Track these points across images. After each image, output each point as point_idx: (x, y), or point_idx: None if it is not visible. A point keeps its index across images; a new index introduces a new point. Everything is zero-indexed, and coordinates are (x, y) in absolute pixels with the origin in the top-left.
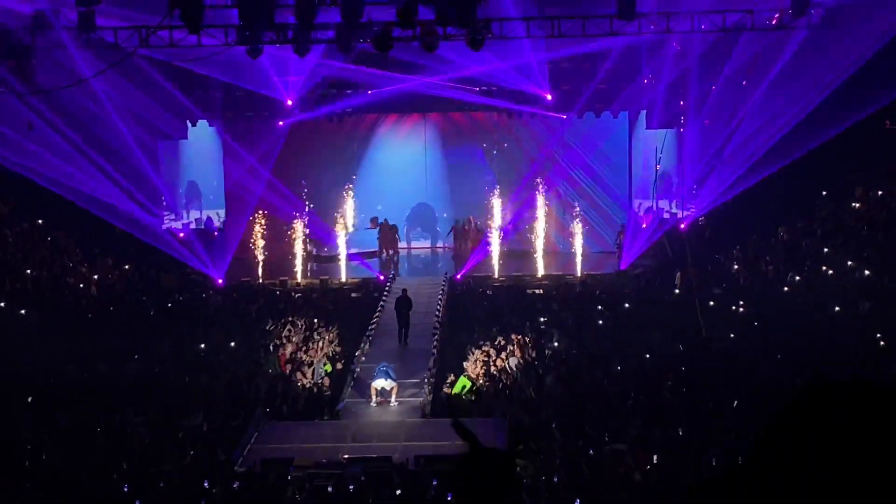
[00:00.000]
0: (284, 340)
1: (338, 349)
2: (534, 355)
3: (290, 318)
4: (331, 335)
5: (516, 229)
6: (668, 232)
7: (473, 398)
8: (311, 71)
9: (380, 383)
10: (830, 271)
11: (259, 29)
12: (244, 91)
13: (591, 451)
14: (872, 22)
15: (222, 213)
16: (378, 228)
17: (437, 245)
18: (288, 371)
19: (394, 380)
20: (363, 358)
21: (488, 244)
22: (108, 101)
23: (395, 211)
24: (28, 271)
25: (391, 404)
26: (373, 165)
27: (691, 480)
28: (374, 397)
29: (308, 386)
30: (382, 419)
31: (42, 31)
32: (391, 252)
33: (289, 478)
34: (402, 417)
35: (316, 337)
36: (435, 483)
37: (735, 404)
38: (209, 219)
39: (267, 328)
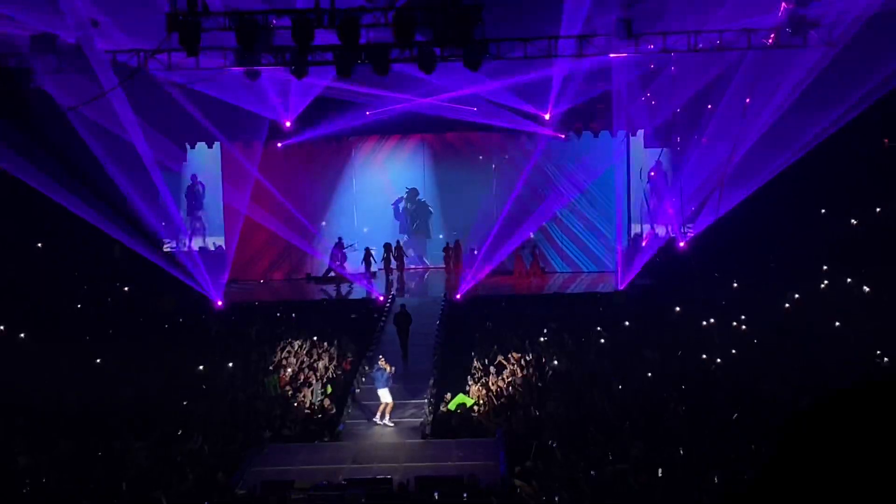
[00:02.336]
0: (284, 362)
1: (337, 371)
2: (534, 375)
3: (289, 340)
4: (330, 356)
5: (515, 248)
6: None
7: (460, 413)
8: (309, 92)
9: (383, 394)
10: (830, 288)
11: (257, 51)
12: (243, 113)
13: (593, 472)
14: (876, 42)
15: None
16: (383, 248)
17: (430, 266)
18: (288, 393)
19: (390, 381)
20: (363, 379)
21: (482, 265)
22: (108, 124)
23: (389, 232)
24: (27, 295)
25: (388, 425)
26: (369, 186)
27: (694, 500)
28: (378, 413)
29: (308, 408)
30: (383, 441)
31: (41, 54)
32: (398, 273)
33: (289, 500)
34: (402, 439)
35: (315, 358)
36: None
37: (735, 417)
38: (219, 247)
39: (266, 350)
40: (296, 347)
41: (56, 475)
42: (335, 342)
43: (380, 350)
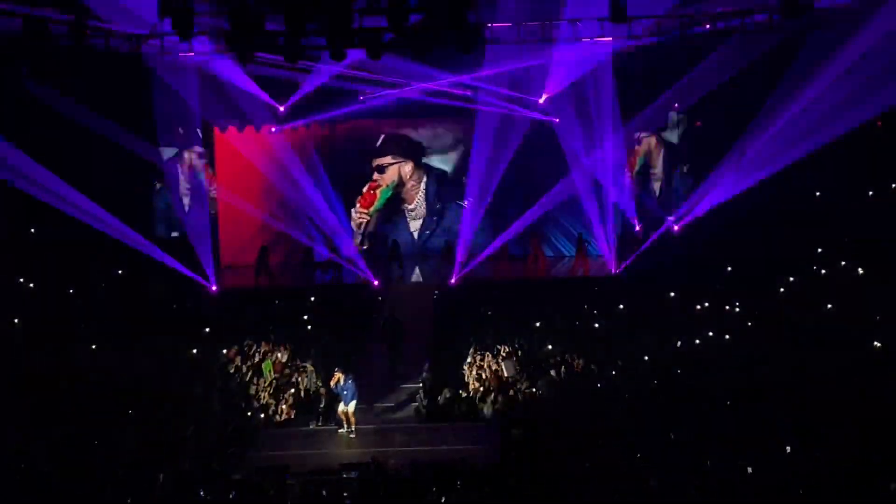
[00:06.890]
0: (279, 347)
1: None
2: (528, 359)
3: (284, 325)
4: (324, 343)
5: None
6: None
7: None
8: (304, 78)
9: (343, 408)
10: (823, 271)
11: (249, 36)
12: (236, 97)
13: (587, 465)
14: (867, 25)
15: None
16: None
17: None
18: (282, 378)
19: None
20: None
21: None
22: (101, 111)
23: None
24: (20, 281)
25: (350, 434)
26: (365, 174)
27: (689, 487)
28: (345, 423)
29: (303, 393)
30: (377, 425)
31: (33, 41)
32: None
33: (284, 485)
34: (397, 423)
35: (310, 343)
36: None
37: (728, 404)
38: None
39: (260, 335)
40: (291, 332)
41: (50, 460)
42: (331, 327)
43: (374, 336)
